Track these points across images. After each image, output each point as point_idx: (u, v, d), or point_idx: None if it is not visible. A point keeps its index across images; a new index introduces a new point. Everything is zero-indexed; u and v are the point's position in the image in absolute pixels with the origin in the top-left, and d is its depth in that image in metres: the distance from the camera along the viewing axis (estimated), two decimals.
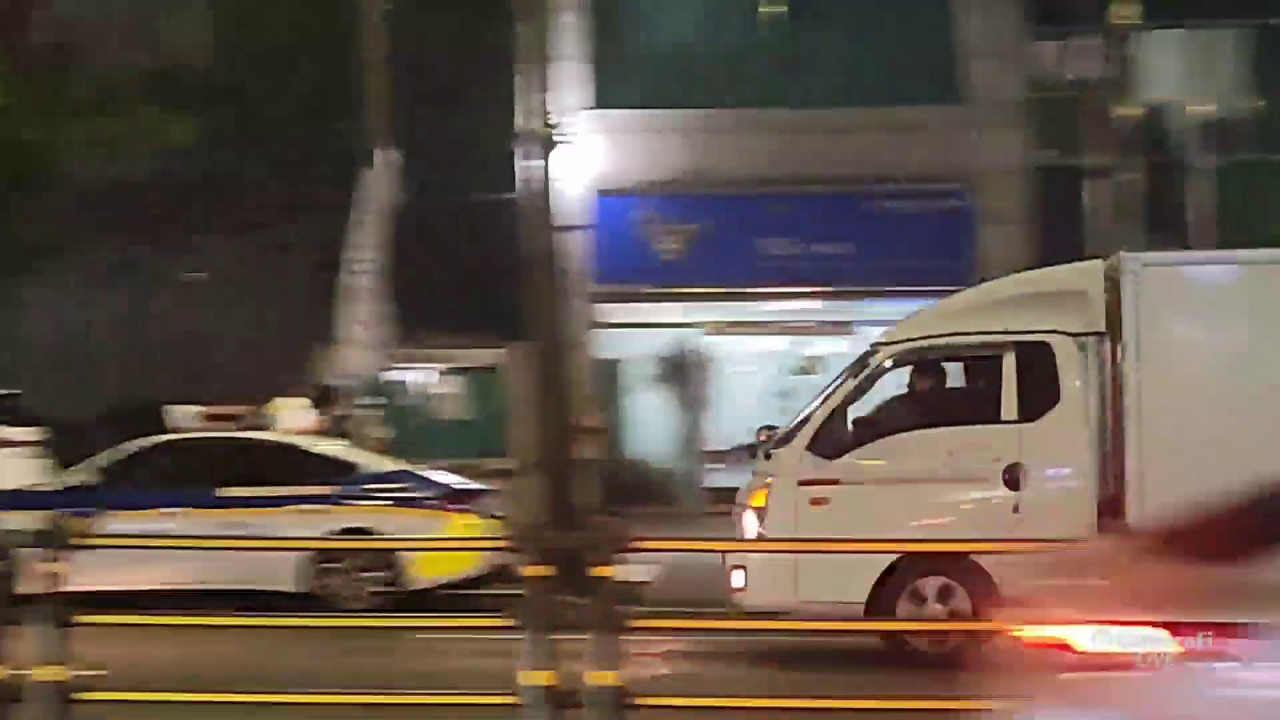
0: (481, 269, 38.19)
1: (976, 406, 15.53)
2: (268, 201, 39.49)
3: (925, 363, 15.99)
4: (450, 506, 20.14)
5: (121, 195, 36.35)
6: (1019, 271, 18.73)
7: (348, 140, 34.95)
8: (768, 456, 16.04)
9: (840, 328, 30.19)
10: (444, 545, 20.05)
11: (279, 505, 19.55)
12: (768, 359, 31.75)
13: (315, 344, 33.37)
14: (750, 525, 15.76)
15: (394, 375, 26.07)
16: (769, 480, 15.86)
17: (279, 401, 25.91)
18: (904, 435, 15.64)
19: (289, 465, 20.59)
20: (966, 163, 30.59)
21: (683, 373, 30.56)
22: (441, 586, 19.82)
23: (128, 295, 40.78)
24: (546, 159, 20.85)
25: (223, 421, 24.76)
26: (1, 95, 22.18)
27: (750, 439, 17.40)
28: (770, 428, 16.96)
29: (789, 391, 29.86)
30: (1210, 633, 6.44)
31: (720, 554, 16.17)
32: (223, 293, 43.91)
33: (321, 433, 26.01)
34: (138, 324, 41.47)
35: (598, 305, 30.66)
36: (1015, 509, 15.06)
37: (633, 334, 31.35)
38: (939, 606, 15.06)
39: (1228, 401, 14.89)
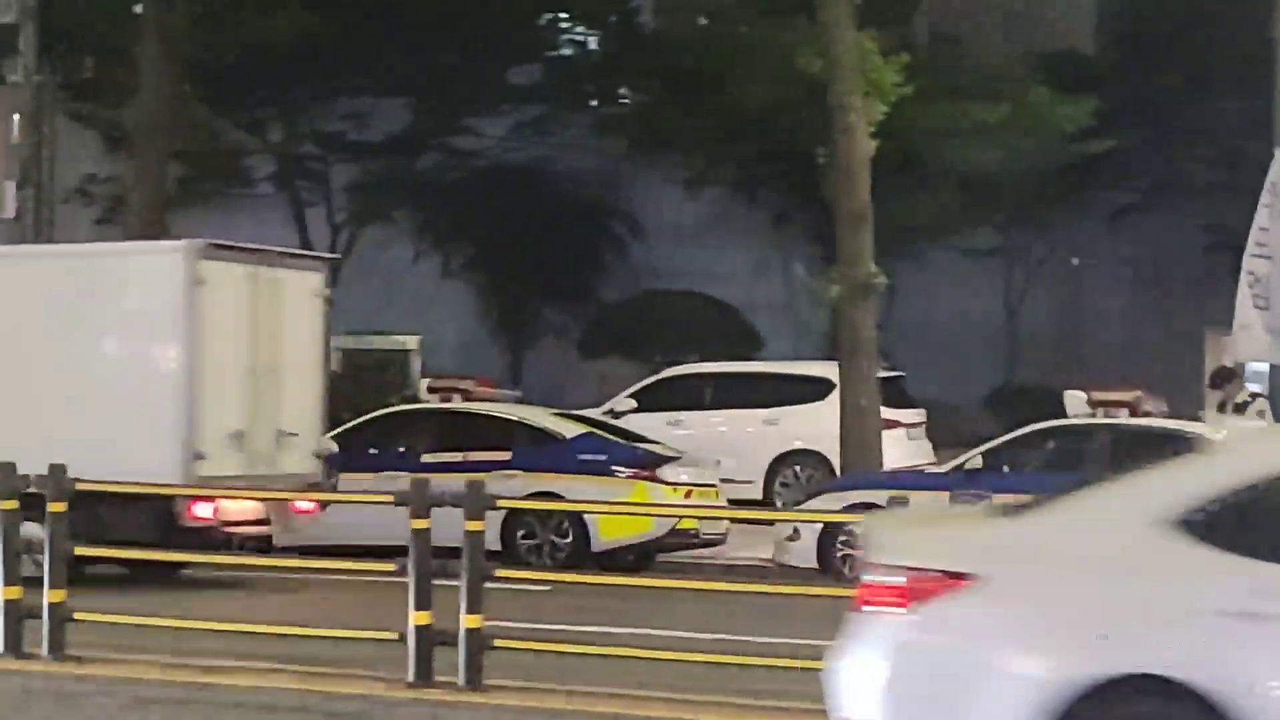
0: None
1: None
2: (1148, 183, 38.82)
3: None
4: None
5: (1001, 179, 36.52)
6: None
7: (1232, 118, 33.86)
8: None
9: None
10: None
11: None
12: None
13: (1202, 328, 32.54)
14: None
15: None
16: None
17: None
18: None
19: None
20: None
21: None
22: None
23: (1004, 278, 41.00)
24: None
25: (1111, 407, 24.42)
26: (895, 82, 22.56)
27: None
28: None
29: None
30: None
31: None
32: (1097, 275, 43.51)
33: None
34: (1014, 307, 41.63)
35: None
36: None
37: None
38: None
39: None
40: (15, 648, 12.47)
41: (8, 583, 12.53)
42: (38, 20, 29.25)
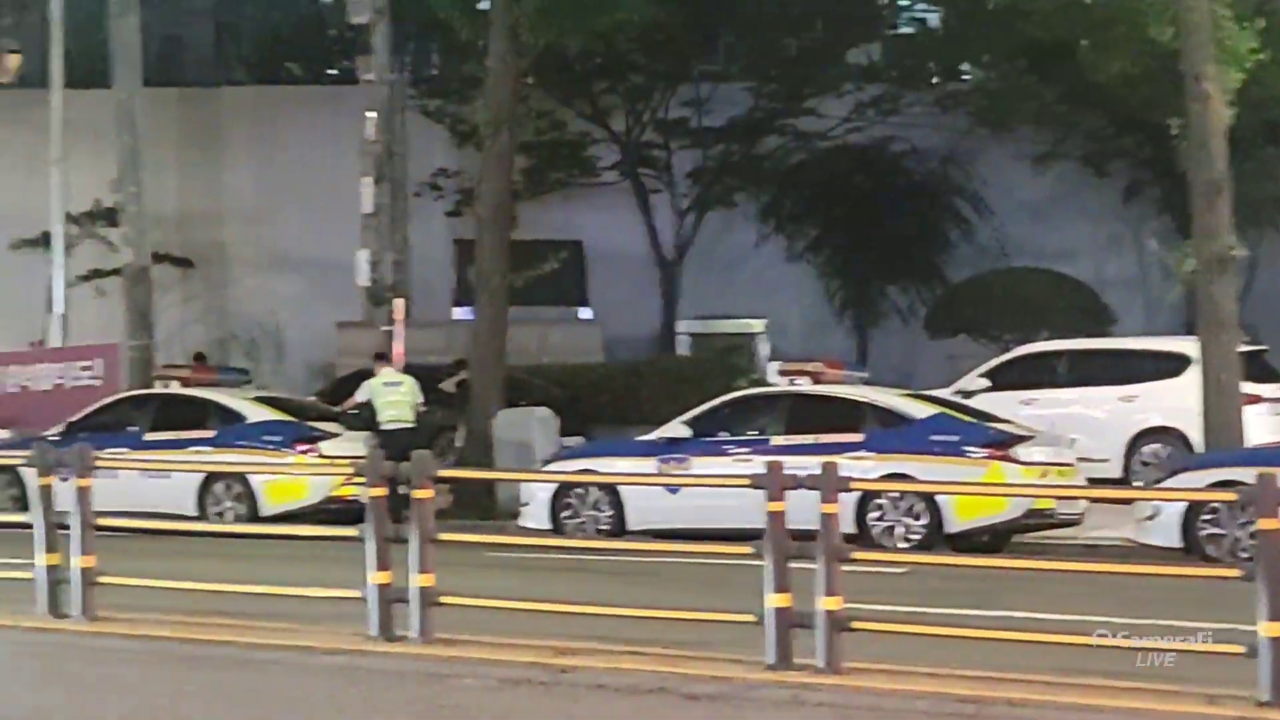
0: None
1: None
2: None
3: None
4: None
5: None
6: None
7: None
8: None
9: None
10: None
11: None
12: None
13: None
14: None
15: None
16: None
17: None
18: None
19: None
20: None
21: None
22: None
23: None
24: None
25: None
26: (1250, 49, 21.87)
27: None
28: None
29: None
30: None
31: None
32: None
33: None
34: None
35: None
36: None
37: None
38: None
39: None
40: (386, 630, 12.83)
41: (380, 567, 12.88)
42: (389, 20, 30.03)
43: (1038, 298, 36.41)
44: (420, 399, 24.94)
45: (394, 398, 24.64)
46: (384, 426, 24.31)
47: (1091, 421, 25.15)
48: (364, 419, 24.73)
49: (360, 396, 24.85)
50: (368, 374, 25.75)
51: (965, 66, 43.54)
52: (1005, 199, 41.04)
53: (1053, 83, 35.75)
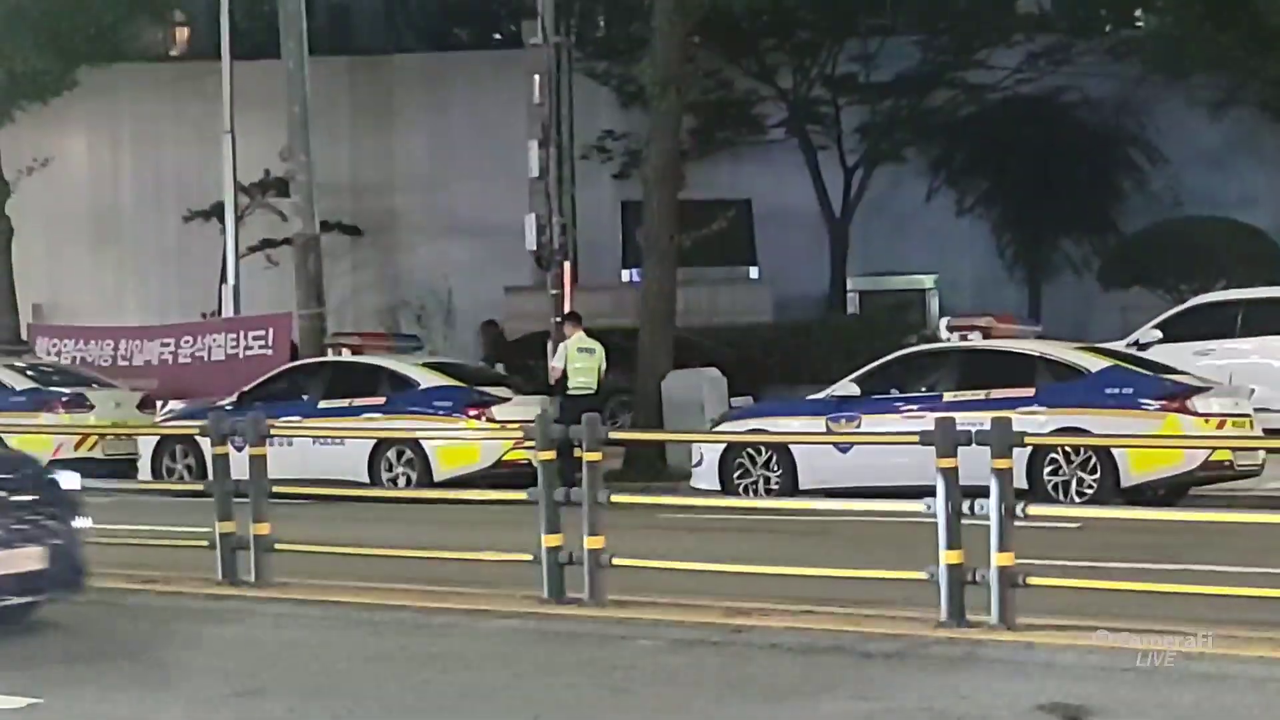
0: None
1: None
2: None
3: None
4: None
5: None
6: None
7: None
8: None
9: None
10: None
11: None
12: None
13: None
14: None
15: None
16: None
17: None
18: None
19: None
20: None
21: None
22: None
23: None
24: None
25: None
26: None
27: None
28: None
29: None
30: None
31: None
32: None
33: None
34: None
35: None
36: None
37: None
38: None
39: None
40: (558, 593, 12.89)
41: (551, 530, 12.94)
42: None
43: (1214, 247, 35.78)
44: (605, 366, 24.95)
45: (584, 363, 24.67)
46: (570, 391, 24.35)
47: (1269, 372, 24.63)
48: (551, 380, 24.82)
49: (557, 361, 24.89)
50: (537, 337, 25.82)
51: (1138, 13, 42.86)
52: (1180, 147, 40.37)
53: (1229, 28, 35.08)
